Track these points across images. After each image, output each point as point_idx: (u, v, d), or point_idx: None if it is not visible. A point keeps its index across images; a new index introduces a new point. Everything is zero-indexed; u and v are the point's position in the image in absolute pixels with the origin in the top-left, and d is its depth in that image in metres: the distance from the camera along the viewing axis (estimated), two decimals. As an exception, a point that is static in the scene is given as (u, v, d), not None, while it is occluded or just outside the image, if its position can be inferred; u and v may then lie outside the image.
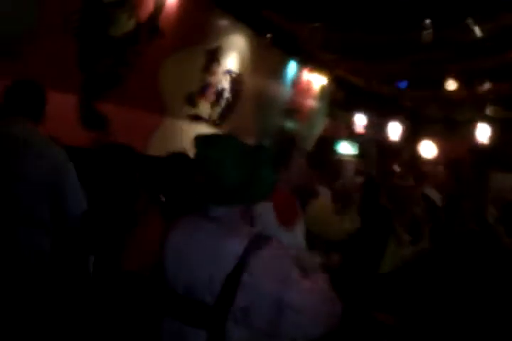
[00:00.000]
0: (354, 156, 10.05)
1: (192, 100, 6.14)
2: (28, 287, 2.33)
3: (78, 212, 2.46)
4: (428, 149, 11.09)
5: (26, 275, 2.33)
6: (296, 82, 8.31)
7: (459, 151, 10.56)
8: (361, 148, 10.22)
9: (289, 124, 8.69)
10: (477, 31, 5.20)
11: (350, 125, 10.39)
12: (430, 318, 2.30)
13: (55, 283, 2.48)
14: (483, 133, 9.82)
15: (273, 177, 1.51)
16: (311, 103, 9.09)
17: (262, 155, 1.48)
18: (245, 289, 1.29)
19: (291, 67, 7.95)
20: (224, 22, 5.99)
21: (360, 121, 10.37)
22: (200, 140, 1.47)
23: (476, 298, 2.12)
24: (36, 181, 2.38)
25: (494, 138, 9.75)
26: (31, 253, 2.37)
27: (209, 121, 6.64)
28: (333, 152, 9.92)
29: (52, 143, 2.55)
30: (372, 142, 10.48)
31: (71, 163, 2.52)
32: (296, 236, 2.31)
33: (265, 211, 2.26)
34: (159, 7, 4.83)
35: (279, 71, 7.78)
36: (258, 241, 1.35)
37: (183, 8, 5.07)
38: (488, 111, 9.03)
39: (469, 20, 5.20)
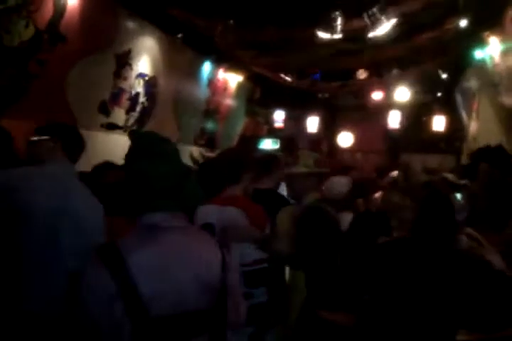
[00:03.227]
0: (276, 151, 10.18)
1: (105, 108, 5.83)
2: None
3: None
4: (345, 139, 11.46)
5: None
6: (213, 82, 8.21)
7: (373, 137, 11.03)
8: (282, 143, 10.36)
9: (210, 125, 8.58)
10: (383, 20, 5.35)
11: (269, 121, 10.48)
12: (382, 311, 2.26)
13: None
14: (393, 118, 10.28)
15: (199, 187, 1.53)
16: (229, 102, 9.02)
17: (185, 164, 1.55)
18: (231, 293, 1.47)
19: (206, 66, 7.84)
20: (132, 24, 5.72)
21: (279, 116, 10.48)
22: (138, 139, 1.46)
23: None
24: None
25: (403, 121, 10.25)
26: None
27: (126, 129, 6.35)
28: (256, 150, 10.02)
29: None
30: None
31: None
32: None
33: (238, 217, 2.35)
34: (60, 11, 4.48)
35: (194, 71, 7.62)
36: (224, 249, 1.51)
37: (87, 11, 4.76)
38: (397, 96, 9.42)
39: (374, 10, 5.34)
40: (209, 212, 2.34)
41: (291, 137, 10.66)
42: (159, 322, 1.30)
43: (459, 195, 3.60)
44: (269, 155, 3.46)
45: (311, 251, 2.36)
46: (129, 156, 1.43)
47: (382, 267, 2.25)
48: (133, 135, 1.48)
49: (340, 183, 3.47)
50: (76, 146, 2.34)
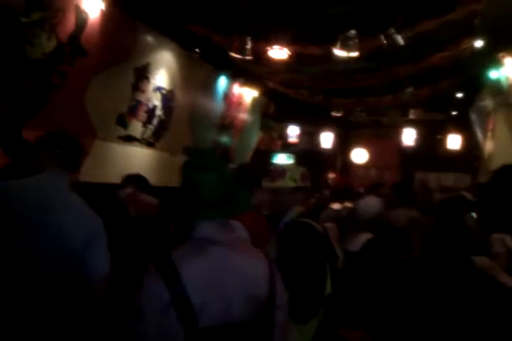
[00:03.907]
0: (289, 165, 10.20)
1: (123, 120, 5.93)
2: None
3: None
4: (359, 155, 11.48)
5: None
6: (228, 96, 8.30)
7: (387, 154, 11.01)
8: (296, 158, 10.39)
9: (224, 139, 8.65)
10: (399, 40, 5.40)
11: (283, 136, 10.55)
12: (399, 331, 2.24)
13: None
14: (408, 135, 10.29)
15: (247, 191, 1.64)
16: (244, 116, 9.10)
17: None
18: (278, 309, 1.51)
19: (223, 81, 7.95)
20: (151, 38, 5.85)
21: (293, 131, 10.54)
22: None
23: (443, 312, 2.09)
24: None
25: (418, 139, 10.25)
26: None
27: (142, 141, 6.45)
28: (270, 164, 10.06)
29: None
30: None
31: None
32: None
33: (239, 231, 2.36)
34: (81, 25, 4.62)
35: (210, 85, 7.73)
36: (271, 263, 1.56)
37: (107, 25, 4.89)
38: (411, 114, 9.45)
39: (391, 30, 5.39)
40: None
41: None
42: (208, 332, 1.38)
43: (475, 215, 3.56)
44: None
45: (294, 266, 2.25)
46: (181, 170, 1.53)
47: (399, 287, 2.23)
48: (187, 151, 1.58)
49: (371, 203, 3.50)
50: (73, 156, 2.33)
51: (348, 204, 4.51)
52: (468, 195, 4.86)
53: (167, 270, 1.38)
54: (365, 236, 3.35)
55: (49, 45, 4.38)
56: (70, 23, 4.50)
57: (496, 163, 7.08)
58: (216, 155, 1.63)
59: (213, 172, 1.49)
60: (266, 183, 2.49)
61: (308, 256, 2.28)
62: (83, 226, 2.15)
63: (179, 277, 1.36)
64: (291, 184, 2.43)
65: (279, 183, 2.44)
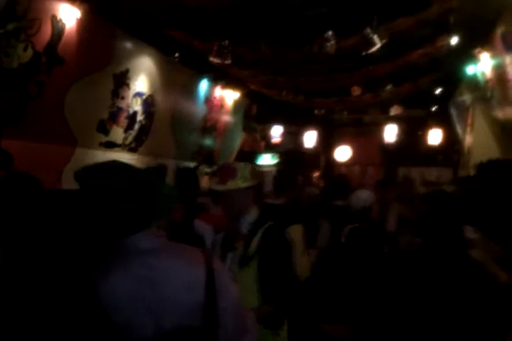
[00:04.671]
0: (273, 166, 10.27)
1: (103, 127, 5.89)
2: None
3: None
4: (342, 153, 11.56)
5: None
6: (210, 99, 8.30)
7: (370, 151, 11.11)
8: (280, 158, 10.44)
9: (207, 141, 8.65)
10: (376, 39, 5.45)
11: (266, 137, 10.59)
12: (381, 326, 2.27)
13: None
14: (389, 132, 10.41)
15: (173, 192, 1.50)
16: (227, 118, 9.10)
17: (156, 174, 1.51)
18: (223, 312, 1.44)
19: (204, 84, 7.95)
20: (129, 44, 5.82)
21: (276, 132, 10.59)
22: (87, 171, 1.40)
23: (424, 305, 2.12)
24: None
25: (400, 135, 10.37)
26: None
27: (124, 147, 6.41)
28: (254, 164, 10.09)
29: None
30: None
31: None
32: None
33: (206, 234, 2.54)
34: (58, 34, 4.57)
35: (191, 89, 7.71)
36: (211, 265, 1.46)
37: (84, 33, 4.84)
38: (392, 111, 9.54)
39: (367, 30, 5.44)
40: (200, 229, 2.71)
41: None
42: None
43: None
44: (282, 173, 3.57)
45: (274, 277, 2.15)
46: (83, 194, 1.41)
47: (383, 281, 2.26)
48: (77, 174, 1.42)
49: (362, 195, 3.75)
50: None
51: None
52: (449, 189, 4.96)
53: (84, 291, 1.32)
54: (351, 226, 3.53)
55: (25, 55, 4.33)
56: (47, 32, 4.45)
57: (476, 156, 7.20)
58: (119, 164, 1.46)
59: (117, 186, 1.37)
60: (215, 186, 2.26)
61: (286, 268, 2.22)
62: None
63: (97, 296, 1.31)
64: (242, 184, 2.22)
65: (230, 185, 2.22)
